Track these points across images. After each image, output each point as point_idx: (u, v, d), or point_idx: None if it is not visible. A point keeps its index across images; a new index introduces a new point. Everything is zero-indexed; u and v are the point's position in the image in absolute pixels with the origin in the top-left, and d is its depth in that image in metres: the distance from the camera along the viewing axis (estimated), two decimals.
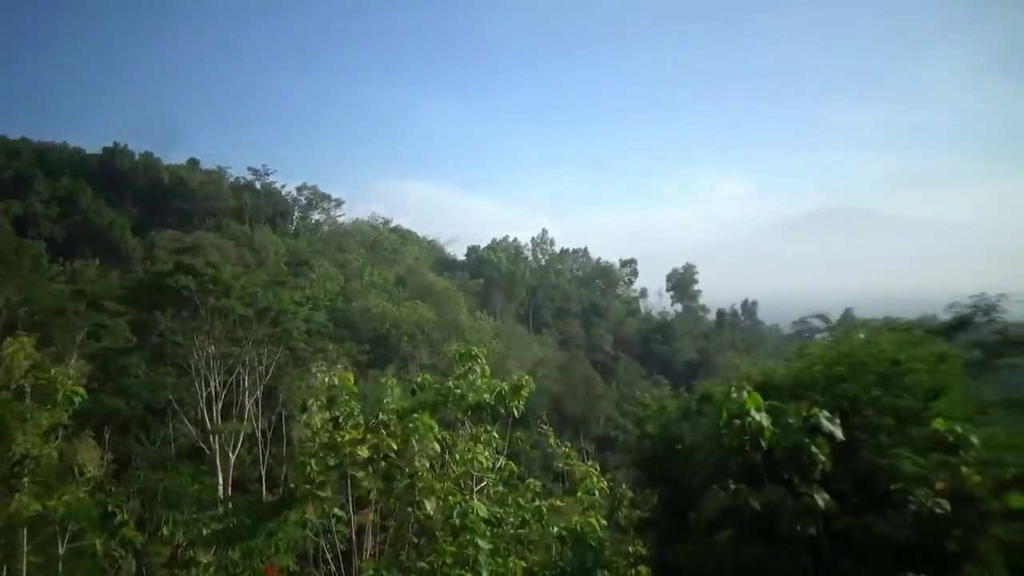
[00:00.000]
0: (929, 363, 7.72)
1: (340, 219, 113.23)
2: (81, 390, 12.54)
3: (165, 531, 13.32)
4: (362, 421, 9.12)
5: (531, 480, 11.15)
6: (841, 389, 7.53)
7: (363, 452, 8.65)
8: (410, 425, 8.78)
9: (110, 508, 11.34)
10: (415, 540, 9.11)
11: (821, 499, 5.18)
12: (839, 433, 5.27)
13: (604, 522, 10.18)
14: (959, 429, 6.08)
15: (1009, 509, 4.30)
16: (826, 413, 5.31)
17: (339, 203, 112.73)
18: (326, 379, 9.61)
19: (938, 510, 5.24)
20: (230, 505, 15.38)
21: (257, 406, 42.41)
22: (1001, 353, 16.38)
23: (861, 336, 8.79)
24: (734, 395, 5.50)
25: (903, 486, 5.62)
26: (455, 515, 8.20)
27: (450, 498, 8.57)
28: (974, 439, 6.08)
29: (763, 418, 5.39)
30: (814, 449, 5.16)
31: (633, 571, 9.88)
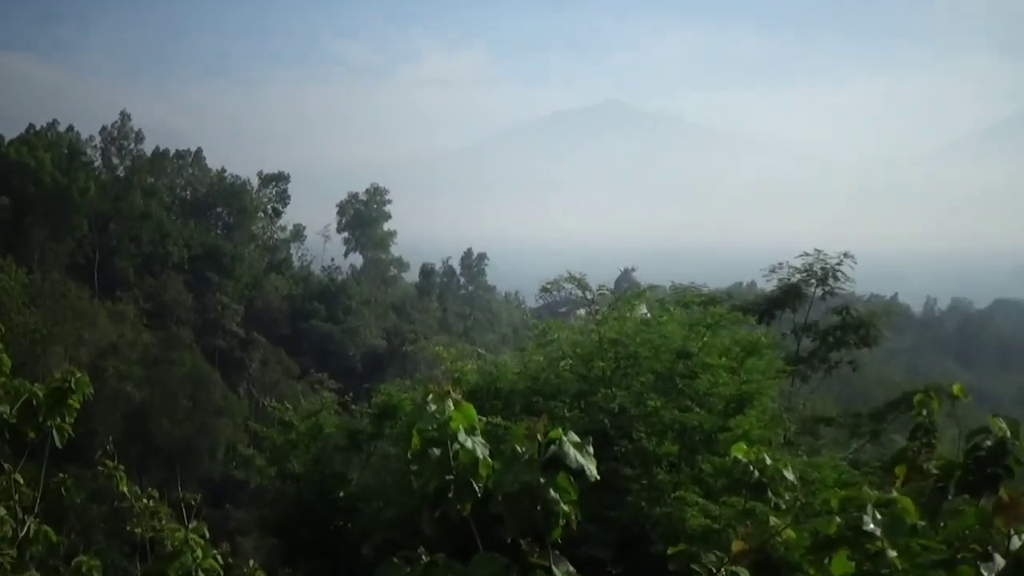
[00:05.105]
0: (734, 357, 8.42)
1: None
2: None
3: None
4: None
5: (82, 558, 10.77)
6: (603, 395, 8.00)
7: None
8: None
9: None
10: None
11: (563, 573, 5.49)
12: (592, 469, 5.58)
13: None
14: (768, 459, 6.73)
15: None
16: (574, 436, 5.59)
17: None
18: None
19: None
20: None
21: None
22: (840, 342, 18.03)
23: (642, 312, 9.27)
24: (433, 407, 5.62)
25: (685, 549, 6.10)
26: None
27: None
28: (789, 474, 6.77)
29: (478, 445, 5.55)
30: (554, 494, 5.41)
31: None
